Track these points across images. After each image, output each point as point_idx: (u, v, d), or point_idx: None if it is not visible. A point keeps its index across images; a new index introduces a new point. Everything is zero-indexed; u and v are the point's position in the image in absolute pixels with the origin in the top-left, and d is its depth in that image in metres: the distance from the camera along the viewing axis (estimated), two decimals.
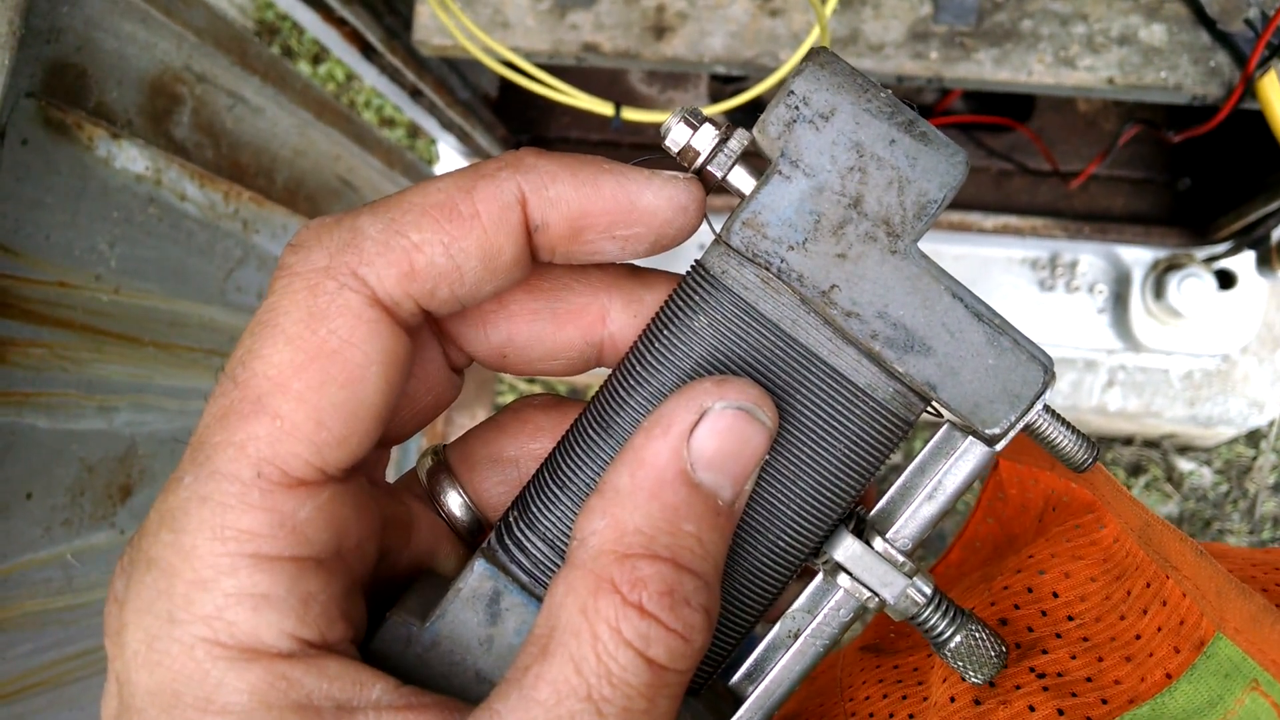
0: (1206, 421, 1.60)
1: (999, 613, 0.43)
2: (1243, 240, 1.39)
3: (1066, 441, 0.35)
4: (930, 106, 1.57)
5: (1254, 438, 1.98)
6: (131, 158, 0.79)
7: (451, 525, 0.38)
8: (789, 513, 0.35)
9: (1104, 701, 0.38)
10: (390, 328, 0.31)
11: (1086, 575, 0.43)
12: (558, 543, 0.34)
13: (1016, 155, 1.51)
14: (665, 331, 0.35)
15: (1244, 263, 1.45)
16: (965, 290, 0.34)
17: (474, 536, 0.39)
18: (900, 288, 0.33)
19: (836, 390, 0.34)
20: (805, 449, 0.34)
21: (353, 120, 1.13)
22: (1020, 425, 0.34)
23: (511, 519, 0.36)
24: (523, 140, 1.58)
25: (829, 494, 0.35)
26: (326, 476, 0.31)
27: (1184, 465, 1.98)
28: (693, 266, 0.35)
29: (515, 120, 1.55)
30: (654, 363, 0.34)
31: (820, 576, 0.36)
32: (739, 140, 0.35)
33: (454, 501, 0.38)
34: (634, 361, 0.35)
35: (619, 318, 0.37)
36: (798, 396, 0.34)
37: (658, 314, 0.36)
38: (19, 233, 0.68)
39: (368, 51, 1.12)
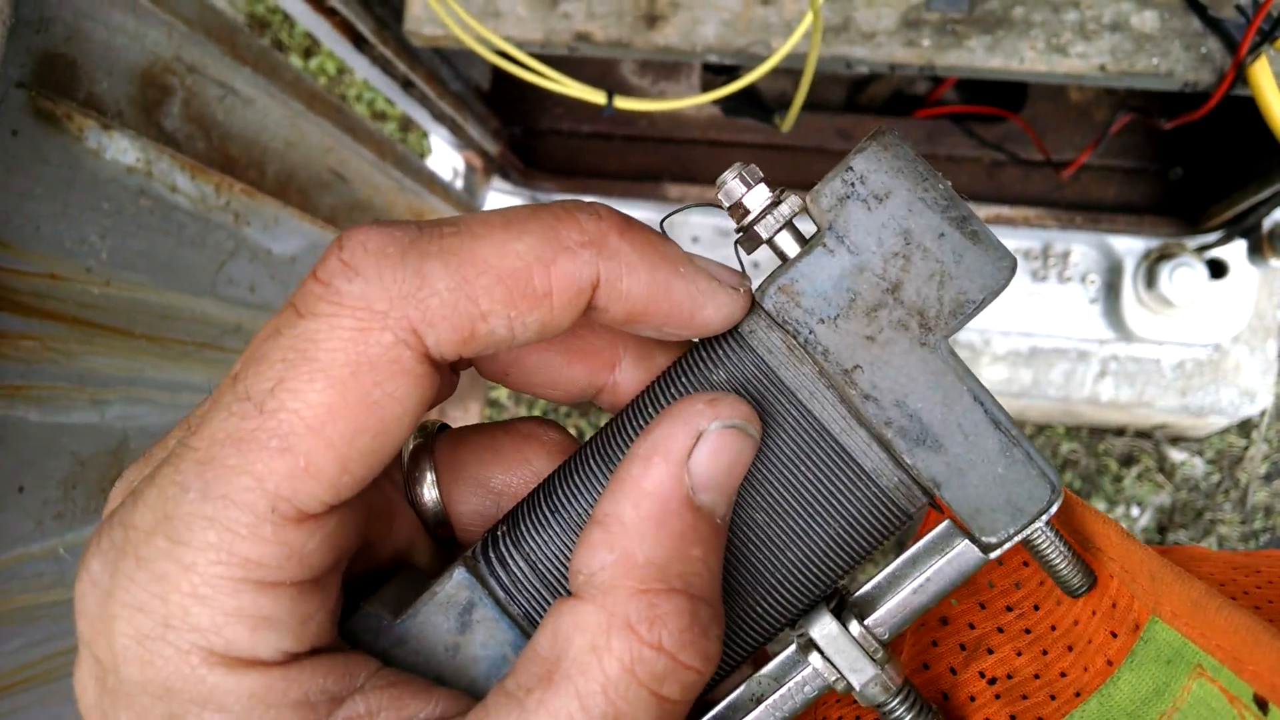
0: (1198, 411, 1.60)
1: (939, 611, 0.43)
2: (1234, 229, 1.40)
3: (1064, 564, 0.36)
4: (923, 96, 1.57)
5: (1245, 427, 1.99)
6: (122, 149, 0.79)
7: (418, 510, 0.38)
8: (773, 580, 0.35)
9: (1052, 697, 0.38)
10: (430, 377, 0.30)
11: (1018, 560, 0.43)
12: (540, 566, 0.35)
13: (1009, 145, 1.51)
14: (684, 379, 0.35)
15: (1235, 252, 1.45)
16: (988, 395, 0.34)
17: (438, 528, 0.39)
18: (923, 381, 0.33)
19: (842, 469, 0.34)
20: (800, 520, 0.35)
21: (344, 112, 1.12)
22: (1017, 538, 0.34)
23: (500, 533, 0.36)
24: (515, 133, 1.57)
25: (815, 569, 0.35)
26: (336, 508, 0.30)
27: (1176, 455, 1.98)
28: None
29: (507, 112, 1.55)
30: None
31: (793, 647, 0.36)
32: (790, 206, 0.35)
33: (428, 493, 0.38)
34: (648, 403, 0.36)
35: (629, 369, 0.37)
36: (802, 468, 0.35)
37: (679, 359, 0.36)
38: (9, 224, 0.68)
39: (359, 42, 1.12)
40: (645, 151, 1.59)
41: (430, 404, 0.31)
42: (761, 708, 0.36)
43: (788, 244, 0.35)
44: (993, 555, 0.34)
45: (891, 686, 0.35)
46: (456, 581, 0.35)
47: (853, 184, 0.34)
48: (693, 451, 0.31)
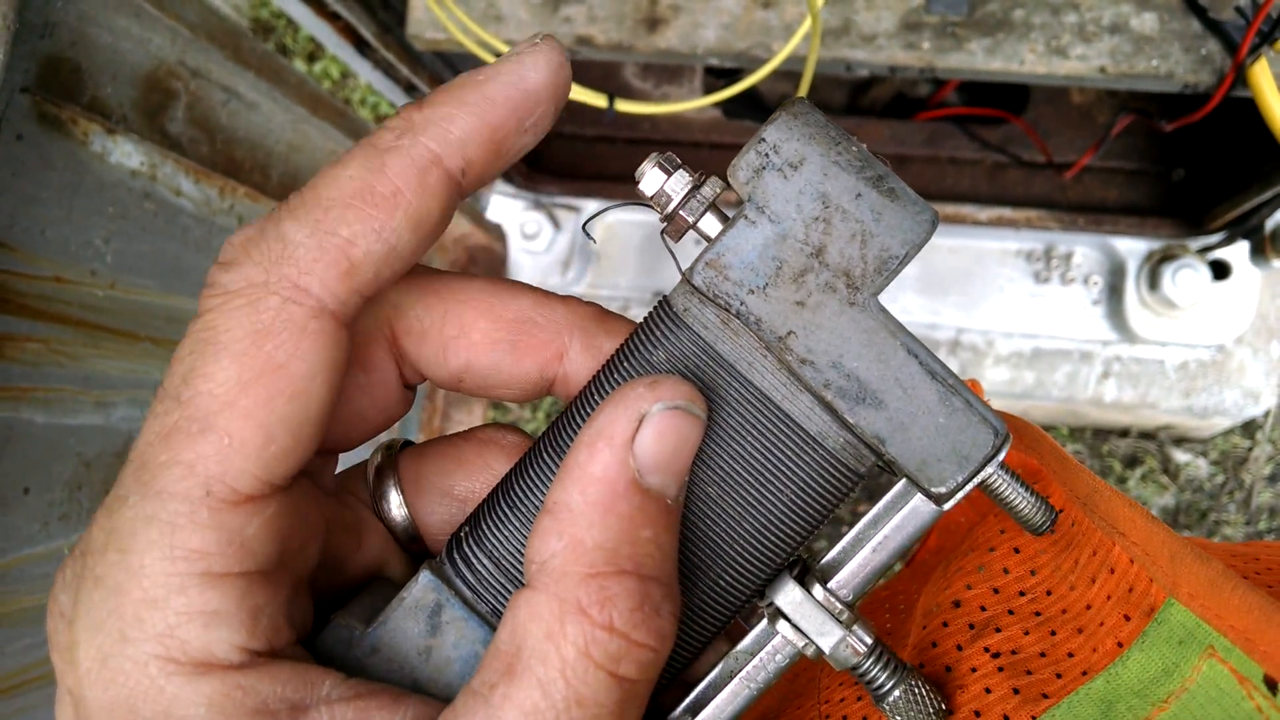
0: (1202, 412, 1.60)
1: (953, 595, 0.43)
2: (1236, 230, 1.40)
3: (1024, 504, 0.36)
4: (925, 99, 1.57)
5: (1249, 428, 1.98)
6: (126, 153, 0.79)
7: (388, 527, 0.39)
8: (732, 552, 0.35)
9: (1058, 676, 0.38)
10: (333, 334, 0.31)
11: (1035, 548, 0.43)
12: (503, 561, 0.35)
13: (1011, 147, 1.51)
14: (625, 363, 0.35)
15: (1238, 253, 1.45)
16: (921, 347, 0.34)
17: (410, 543, 0.39)
18: (856, 339, 0.34)
19: (787, 435, 0.35)
20: (752, 490, 0.35)
21: (347, 116, 1.13)
22: (968, 487, 0.34)
23: (462, 534, 0.36)
24: None
25: (773, 537, 0.35)
26: (274, 489, 0.31)
27: (1180, 456, 1.98)
28: (658, 303, 0.36)
29: None
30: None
31: (765, 620, 0.37)
32: (712, 187, 0.36)
33: (394, 507, 0.38)
34: (593, 391, 0.36)
35: (577, 358, 0.38)
36: (749, 438, 0.35)
37: (621, 346, 0.36)
38: (14, 228, 0.68)
39: (361, 46, 1.12)
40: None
41: (343, 362, 0.32)
42: (736, 680, 0.36)
43: (713, 227, 0.35)
44: (946, 506, 0.35)
45: (861, 648, 0.35)
46: (423, 585, 0.35)
47: (766, 154, 0.34)
48: (636, 435, 0.31)
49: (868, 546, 0.36)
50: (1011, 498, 0.36)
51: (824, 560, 0.37)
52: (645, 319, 0.36)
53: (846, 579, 0.36)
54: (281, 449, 0.30)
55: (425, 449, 0.40)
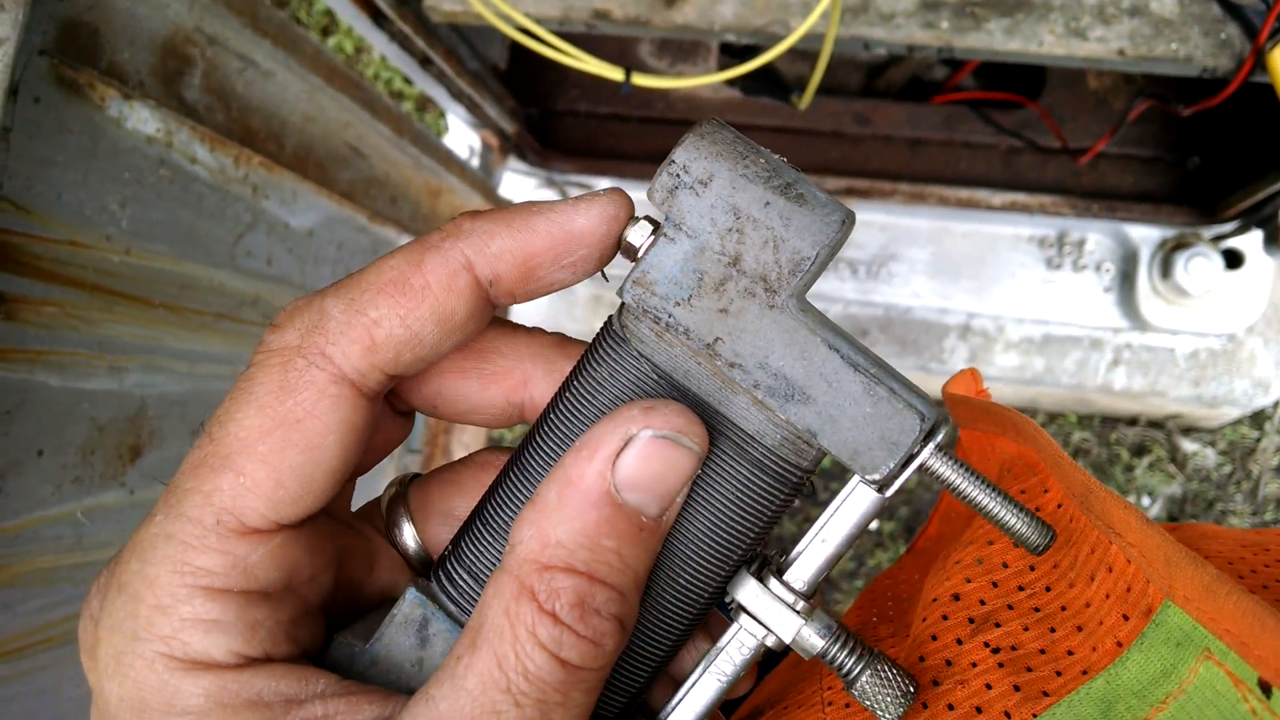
0: (1211, 402, 1.60)
1: (953, 588, 0.43)
2: (1251, 219, 1.39)
3: (1012, 517, 0.36)
4: (941, 82, 1.57)
5: (1258, 419, 1.98)
6: (143, 119, 0.79)
7: (403, 555, 0.42)
8: (686, 553, 0.37)
9: (1058, 674, 0.39)
10: (352, 401, 0.35)
11: None
12: (480, 574, 0.37)
13: (1026, 132, 1.51)
14: (574, 383, 0.37)
15: (1251, 242, 1.45)
16: (844, 341, 0.35)
17: (425, 568, 0.42)
18: (779, 340, 0.35)
19: (726, 436, 0.36)
20: (699, 491, 0.36)
21: (363, 87, 1.13)
22: (906, 472, 0.35)
23: (445, 553, 0.39)
24: (532, 113, 1.58)
25: (724, 535, 0.37)
26: (280, 526, 0.34)
27: (1188, 446, 1.98)
28: (603, 325, 0.38)
29: (525, 92, 1.55)
30: (564, 411, 0.37)
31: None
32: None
33: (407, 535, 0.42)
34: (548, 410, 0.38)
35: (540, 384, 0.41)
36: None
37: (574, 367, 0.38)
38: (31, 190, 0.69)
39: (378, 18, 1.12)
40: (662, 134, 1.59)
41: (361, 428, 0.35)
42: (706, 675, 0.38)
43: None
44: (888, 493, 0.36)
45: (822, 634, 0.37)
46: (410, 601, 0.37)
47: (678, 175, 0.36)
48: (620, 453, 0.34)
49: (817, 538, 0.37)
50: (994, 508, 0.36)
51: (783, 555, 0.38)
52: (592, 340, 0.38)
53: (800, 571, 0.37)
54: (290, 495, 0.34)
55: (429, 477, 0.43)
